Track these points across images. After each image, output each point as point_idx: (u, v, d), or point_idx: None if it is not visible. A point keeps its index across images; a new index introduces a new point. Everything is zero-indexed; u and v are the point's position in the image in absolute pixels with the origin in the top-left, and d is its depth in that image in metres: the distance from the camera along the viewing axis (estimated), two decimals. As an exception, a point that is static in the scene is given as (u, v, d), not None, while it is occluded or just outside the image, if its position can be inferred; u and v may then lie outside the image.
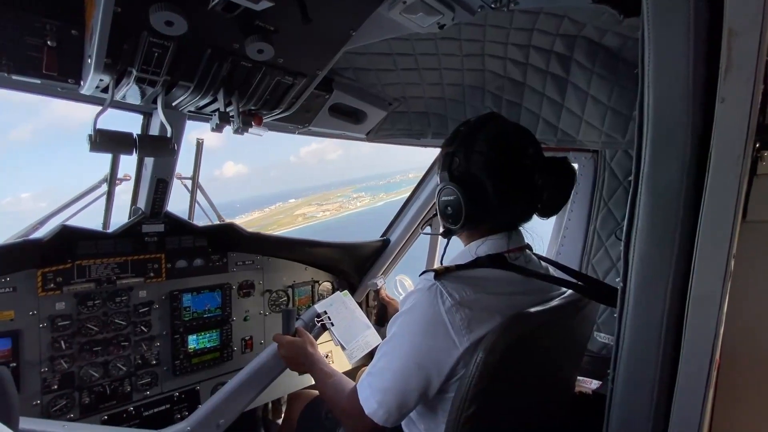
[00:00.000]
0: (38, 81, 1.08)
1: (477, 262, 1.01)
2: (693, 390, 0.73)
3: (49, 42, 1.00)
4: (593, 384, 1.58)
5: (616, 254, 1.87)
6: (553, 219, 1.44)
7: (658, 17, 0.67)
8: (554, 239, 2.08)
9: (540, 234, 1.21)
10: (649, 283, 0.75)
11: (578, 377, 1.57)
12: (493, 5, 1.07)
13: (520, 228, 1.12)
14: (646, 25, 0.69)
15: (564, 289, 1.10)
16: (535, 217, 1.12)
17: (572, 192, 1.13)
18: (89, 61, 0.99)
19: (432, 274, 0.93)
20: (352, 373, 2.13)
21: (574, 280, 1.10)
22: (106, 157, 1.87)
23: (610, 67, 1.41)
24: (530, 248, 1.15)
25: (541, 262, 1.17)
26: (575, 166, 1.97)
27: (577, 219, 1.98)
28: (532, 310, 0.95)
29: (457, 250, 1.14)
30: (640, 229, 0.75)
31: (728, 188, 0.65)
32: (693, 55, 0.65)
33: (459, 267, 0.98)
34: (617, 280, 0.82)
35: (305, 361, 1.34)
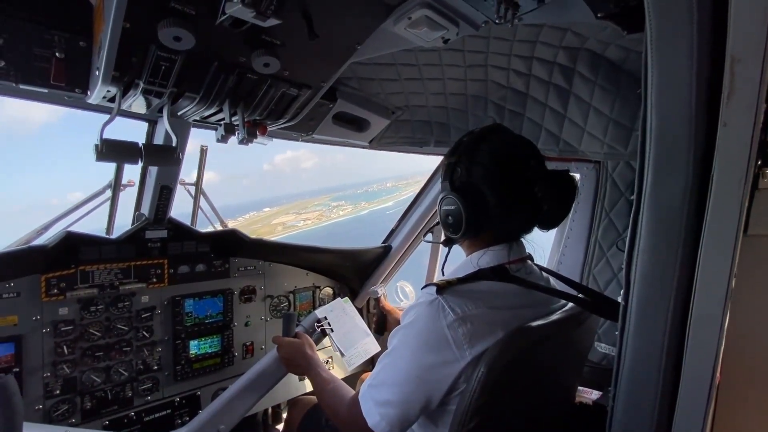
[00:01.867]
0: (45, 90, 1.09)
1: (479, 275, 1.01)
2: (694, 407, 0.73)
3: (57, 53, 1.01)
4: (594, 394, 1.58)
5: (618, 265, 1.87)
6: (554, 230, 1.45)
7: (661, 40, 0.68)
8: (555, 249, 2.09)
9: (541, 244, 1.22)
10: (651, 302, 0.76)
11: (579, 387, 1.57)
12: (497, 21, 1.07)
13: (522, 238, 1.12)
14: (649, 47, 0.69)
15: (565, 300, 1.11)
16: (537, 228, 1.13)
17: (573, 203, 1.14)
18: (97, 73, 1.00)
19: (434, 288, 0.94)
20: (351, 380, 2.14)
21: (575, 293, 1.10)
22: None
23: (613, 79, 1.42)
24: (532, 258, 1.15)
25: (543, 273, 1.18)
26: (577, 176, 1.98)
27: (579, 229, 1.99)
28: (534, 324, 0.95)
29: (459, 257, 1.15)
30: (642, 249, 0.76)
31: (730, 211, 0.66)
32: (695, 80, 0.66)
33: (461, 280, 0.98)
34: (621, 292, 0.82)
35: (303, 362, 1.35)
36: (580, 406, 1.50)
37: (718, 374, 0.71)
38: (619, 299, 0.83)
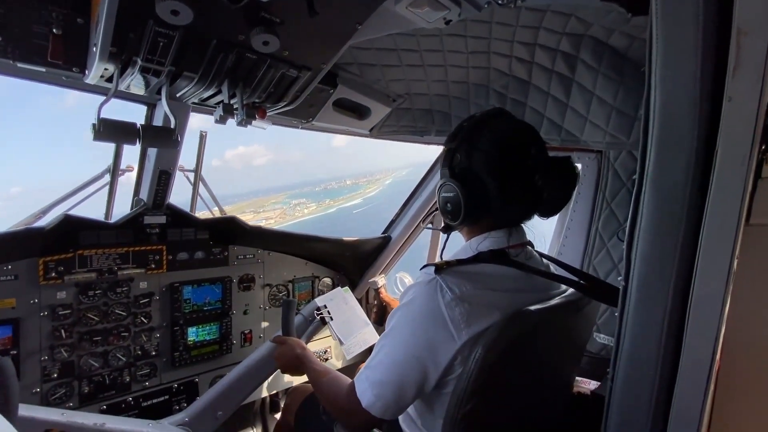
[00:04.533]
0: (43, 69, 1.08)
1: (478, 258, 1.01)
2: (693, 391, 0.73)
3: (54, 30, 1.00)
4: (592, 384, 1.58)
5: (618, 255, 1.86)
6: (555, 218, 1.44)
7: (666, 15, 0.67)
8: (556, 238, 2.08)
9: (542, 232, 1.21)
10: (651, 283, 0.75)
11: (577, 377, 1.57)
12: (500, 1, 1.06)
13: (522, 225, 1.11)
14: (654, 22, 0.68)
15: (565, 287, 1.10)
16: (537, 216, 1.12)
17: (574, 192, 1.12)
18: (94, 49, 0.99)
19: (432, 268, 0.93)
20: (350, 370, 2.14)
21: (575, 278, 1.10)
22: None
23: (616, 68, 1.40)
24: (532, 245, 1.15)
25: (543, 259, 1.17)
26: (578, 166, 1.97)
27: (580, 219, 1.98)
28: (533, 308, 0.95)
29: (458, 245, 1.14)
30: (643, 229, 0.75)
31: (733, 189, 0.65)
32: (701, 54, 0.65)
33: (460, 262, 0.98)
34: (619, 279, 0.81)
35: (297, 363, 1.34)
36: (578, 395, 1.50)
37: (718, 356, 0.70)
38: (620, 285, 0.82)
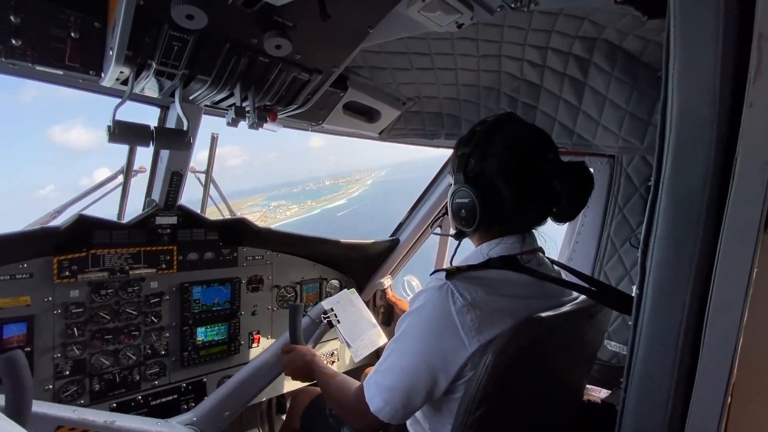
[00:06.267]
0: (61, 72, 1.10)
1: (489, 263, 1.00)
2: (710, 403, 0.71)
3: (72, 33, 1.02)
4: (602, 393, 1.55)
5: (631, 262, 1.84)
6: (564, 224, 1.42)
7: (685, 18, 0.66)
8: (566, 244, 2.05)
9: (553, 237, 1.19)
10: (667, 292, 0.74)
11: (587, 385, 1.54)
12: (512, 5, 1.06)
13: (534, 230, 1.10)
14: (671, 25, 0.67)
15: (576, 294, 1.09)
16: (548, 220, 1.11)
17: None
18: (110, 52, 1.01)
19: (443, 273, 0.93)
20: (356, 373, 2.13)
21: (587, 285, 1.08)
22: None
23: (630, 71, 1.39)
24: (542, 251, 1.13)
25: (554, 265, 1.15)
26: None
27: (591, 224, 1.95)
28: (544, 314, 0.94)
29: (467, 251, 1.13)
30: (658, 236, 0.73)
31: (753, 196, 0.63)
32: (721, 58, 0.63)
33: (471, 267, 0.97)
34: (633, 287, 0.80)
35: (307, 370, 1.34)
36: (589, 403, 1.47)
37: (736, 367, 0.68)
38: (633, 293, 0.81)
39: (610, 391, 1.55)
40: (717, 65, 0.64)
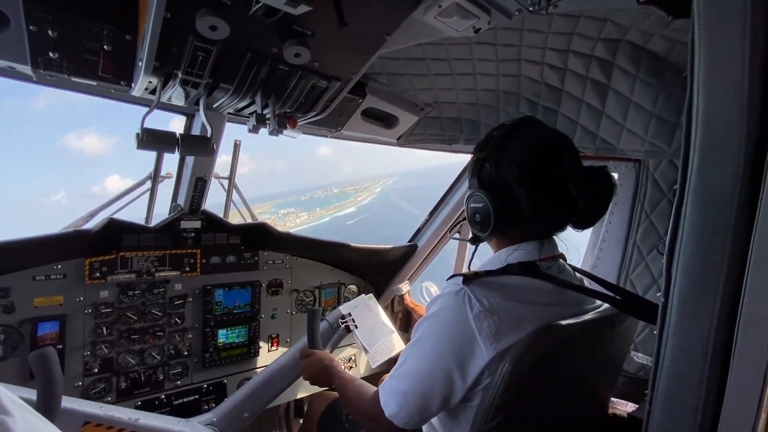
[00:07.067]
0: (94, 83, 1.17)
1: (507, 269, 0.98)
2: (741, 418, 0.67)
3: (105, 46, 1.08)
4: (629, 407, 1.49)
5: (658, 270, 1.76)
6: (589, 230, 1.38)
7: (710, 17, 0.64)
8: (590, 251, 1.99)
9: (576, 244, 1.16)
10: (694, 300, 0.70)
11: (613, 399, 1.48)
12: (530, 8, 1.04)
13: (554, 236, 1.08)
14: (696, 24, 0.65)
15: (599, 302, 1.05)
16: (570, 228, 1.08)
17: (611, 203, 1.08)
18: (140, 63, 1.06)
19: (460, 278, 0.92)
20: (374, 379, 2.12)
21: (610, 294, 1.04)
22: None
23: (656, 73, 1.34)
24: (564, 258, 1.10)
25: (576, 273, 1.12)
26: (615, 176, 1.89)
27: (616, 231, 1.89)
28: (564, 322, 0.91)
29: (486, 256, 1.11)
30: (684, 242, 0.70)
31: None
32: (748, 58, 0.61)
33: (489, 273, 0.95)
34: (658, 294, 0.77)
35: (326, 374, 1.35)
36: (614, 417, 1.42)
37: (770, 382, 0.64)
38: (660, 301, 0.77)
39: (637, 405, 1.48)
40: (745, 65, 0.61)
